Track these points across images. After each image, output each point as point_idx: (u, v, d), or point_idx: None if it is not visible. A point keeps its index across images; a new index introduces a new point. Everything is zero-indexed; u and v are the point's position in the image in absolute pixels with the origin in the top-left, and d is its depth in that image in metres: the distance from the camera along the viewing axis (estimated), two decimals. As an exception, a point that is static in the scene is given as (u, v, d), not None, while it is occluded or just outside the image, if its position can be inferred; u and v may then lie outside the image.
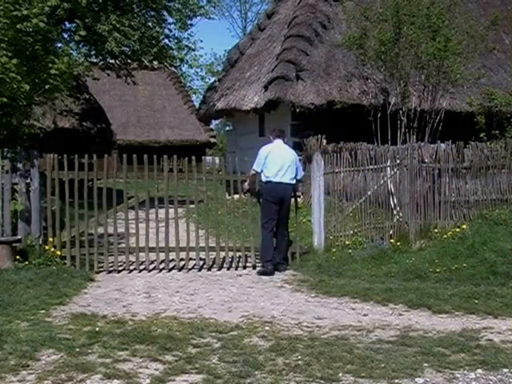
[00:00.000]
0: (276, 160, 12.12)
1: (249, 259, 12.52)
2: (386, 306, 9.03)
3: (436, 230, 13.13)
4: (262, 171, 12.20)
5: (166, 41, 26.88)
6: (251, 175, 12.49)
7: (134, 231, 12.06)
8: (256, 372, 6.26)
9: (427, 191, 13.51)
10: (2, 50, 11.51)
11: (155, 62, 31.18)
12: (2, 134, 12.20)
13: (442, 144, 14.10)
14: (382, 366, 6.42)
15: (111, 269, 11.81)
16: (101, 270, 11.73)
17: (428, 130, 17.56)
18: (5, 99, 11.54)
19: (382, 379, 6.09)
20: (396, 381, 6.06)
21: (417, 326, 7.99)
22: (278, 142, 12.56)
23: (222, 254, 12.49)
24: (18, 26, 12.17)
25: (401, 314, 8.63)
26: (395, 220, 13.41)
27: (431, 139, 17.00)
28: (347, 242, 12.82)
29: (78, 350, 6.87)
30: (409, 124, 17.55)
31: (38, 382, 5.99)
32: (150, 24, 25.71)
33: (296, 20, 21.14)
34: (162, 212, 12.28)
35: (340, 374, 6.21)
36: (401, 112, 17.58)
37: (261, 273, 11.74)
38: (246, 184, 12.58)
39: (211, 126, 45.47)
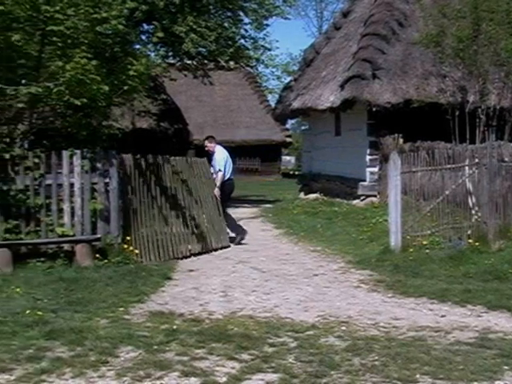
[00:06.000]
0: (229, 162, 15.52)
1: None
2: (465, 307, 8.90)
3: (516, 231, 12.89)
4: (224, 172, 15.21)
5: (242, 41, 27.05)
6: (222, 176, 15.14)
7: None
8: (332, 372, 6.25)
9: (506, 190, 13.27)
10: (82, 52, 11.72)
11: (231, 62, 31.36)
12: (82, 135, 12.44)
13: (523, 142, 13.84)
14: (461, 368, 6.33)
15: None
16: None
17: (508, 128, 17.23)
18: (85, 100, 11.75)
19: (460, 381, 6.01)
20: (475, 383, 5.98)
21: (496, 328, 7.86)
22: (221, 147, 15.81)
23: None
24: (97, 29, 12.39)
25: (479, 316, 8.50)
26: (473, 220, 13.20)
27: (511, 138, 16.68)
28: (424, 242, 12.68)
29: (155, 347, 6.97)
30: (488, 122, 17.24)
31: (117, 378, 6.10)
32: (226, 24, 25.89)
33: (372, 18, 20.98)
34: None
35: (417, 376, 6.15)
36: (479, 110, 17.28)
37: (240, 243, 15.15)
38: (218, 187, 15.10)
39: (287, 126, 45.50)
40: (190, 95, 45.27)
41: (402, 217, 12.76)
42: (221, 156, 15.35)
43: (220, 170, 15.13)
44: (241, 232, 15.59)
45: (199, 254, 13.59)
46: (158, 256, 12.52)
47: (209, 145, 15.71)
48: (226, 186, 15.41)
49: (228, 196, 15.66)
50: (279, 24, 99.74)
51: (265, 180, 43.61)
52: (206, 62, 27.55)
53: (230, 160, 15.57)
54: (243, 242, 15.34)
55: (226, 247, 14.62)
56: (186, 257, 13.21)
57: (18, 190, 11.38)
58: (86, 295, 9.22)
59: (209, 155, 15.69)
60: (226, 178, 15.35)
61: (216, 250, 14.19)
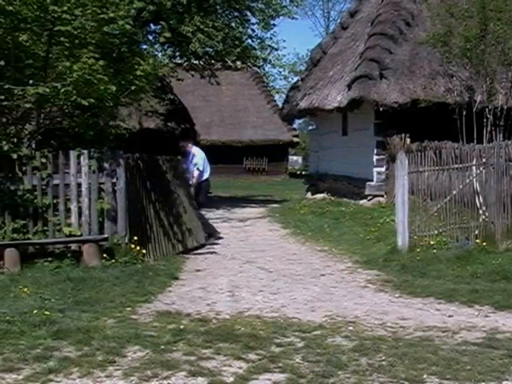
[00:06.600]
0: (207, 162, 16.08)
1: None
2: (472, 308, 8.89)
3: (523, 230, 12.85)
4: (202, 171, 15.76)
5: (249, 41, 27.07)
6: (198, 175, 15.66)
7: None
8: (339, 372, 6.25)
9: (514, 190, 13.23)
10: (89, 52, 11.74)
11: (238, 62, 31.37)
12: (90, 135, 12.46)
13: (530, 142, 13.78)
14: (468, 368, 6.33)
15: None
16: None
17: (515, 127, 17.19)
18: (92, 100, 11.77)
19: (467, 382, 6.00)
20: (482, 383, 5.97)
21: (503, 328, 7.84)
22: (198, 148, 16.55)
23: None
24: (104, 29, 12.40)
25: (487, 316, 8.49)
26: (481, 220, 13.17)
27: (519, 137, 16.63)
28: (432, 242, 12.66)
29: (163, 347, 6.98)
30: (495, 122, 17.19)
31: (124, 377, 6.12)
32: (233, 24, 25.92)
33: (379, 18, 20.95)
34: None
35: (424, 376, 6.15)
36: (487, 110, 17.23)
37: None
38: (194, 185, 15.63)
39: (294, 126, 45.48)
40: (197, 95, 45.28)
41: (409, 217, 12.75)
42: (199, 156, 15.90)
43: (198, 169, 15.65)
44: (214, 231, 15.73)
45: (182, 252, 13.59)
46: (156, 255, 12.57)
47: (184, 145, 16.26)
48: (203, 187, 16.02)
49: (205, 195, 16.26)
50: (286, 24, 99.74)
51: (272, 180, 43.61)
52: (213, 61, 27.58)
53: (207, 161, 16.11)
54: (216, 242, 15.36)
55: (201, 246, 14.59)
56: (178, 254, 13.33)
57: (26, 190, 11.40)
58: (93, 295, 9.24)
59: (183, 155, 16.09)
60: (204, 179, 15.90)
61: (195, 249, 14.18)
